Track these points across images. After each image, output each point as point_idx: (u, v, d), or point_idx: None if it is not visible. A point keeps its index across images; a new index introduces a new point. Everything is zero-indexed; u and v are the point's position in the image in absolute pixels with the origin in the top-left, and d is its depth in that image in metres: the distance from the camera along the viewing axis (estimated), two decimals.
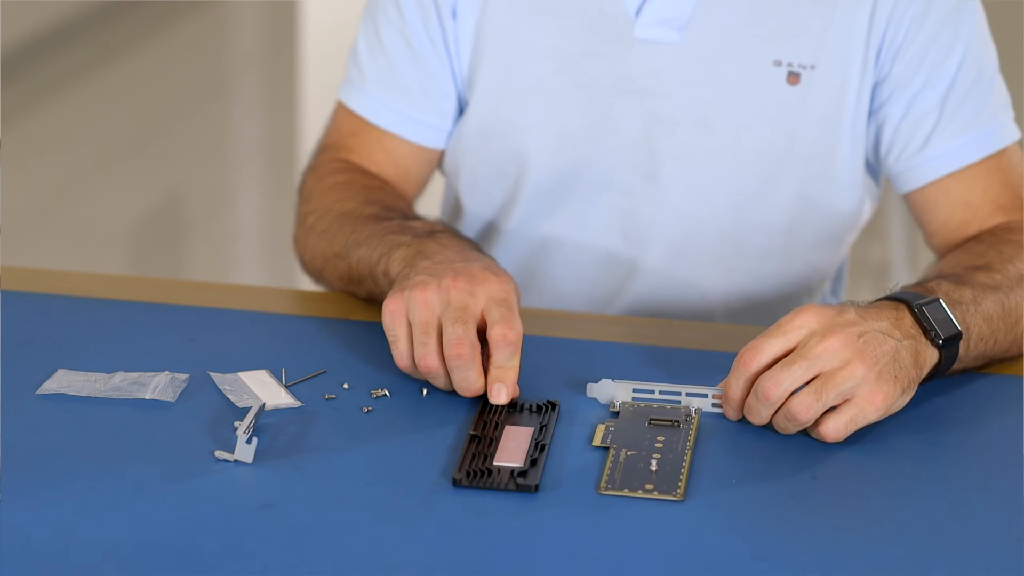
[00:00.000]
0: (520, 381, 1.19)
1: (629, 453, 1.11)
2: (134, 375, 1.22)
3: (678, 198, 1.45)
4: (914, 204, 1.45)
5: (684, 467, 1.09)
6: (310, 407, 1.18)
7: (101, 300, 1.38)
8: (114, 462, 1.10)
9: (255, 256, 3.76)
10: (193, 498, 1.05)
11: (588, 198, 1.47)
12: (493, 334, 1.16)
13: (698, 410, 1.17)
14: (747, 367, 1.13)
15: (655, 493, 1.06)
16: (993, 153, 1.42)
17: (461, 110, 1.50)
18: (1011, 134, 1.43)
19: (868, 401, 1.12)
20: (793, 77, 1.42)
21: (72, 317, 1.34)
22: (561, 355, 1.28)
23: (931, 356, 1.17)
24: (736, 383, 1.14)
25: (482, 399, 1.18)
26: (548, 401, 1.18)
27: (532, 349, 1.28)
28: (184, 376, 1.21)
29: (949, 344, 1.17)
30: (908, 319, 1.17)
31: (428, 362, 1.16)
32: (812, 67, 1.41)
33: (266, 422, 1.15)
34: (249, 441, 1.10)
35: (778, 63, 1.42)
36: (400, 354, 1.18)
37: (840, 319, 1.14)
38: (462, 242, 1.29)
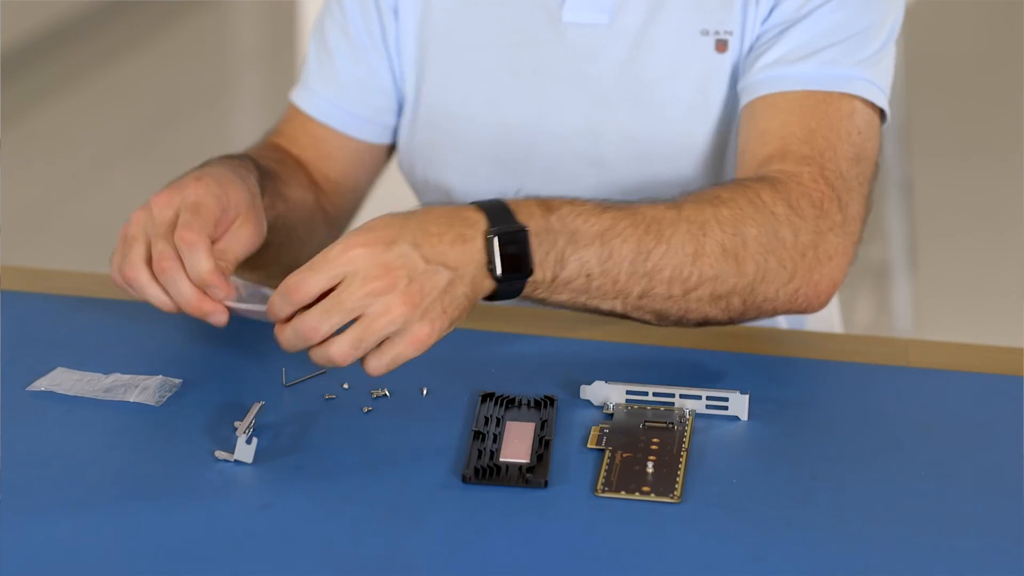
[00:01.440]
0: (514, 382, 1.20)
1: (624, 455, 1.11)
2: (126, 377, 1.22)
3: (623, 179, 1.45)
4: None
5: (680, 469, 1.09)
6: (310, 407, 1.19)
7: (101, 300, 1.38)
8: (114, 462, 1.11)
9: None
10: (193, 498, 1.05)
11: (535, 188, 1.47)
12: (175, 239, 1.18)
13: (692, 411, 1.17)
14: (290, 300, 1.09)
15: (652, 495, 1.06)
16: (813, 91, 1.34)
17: (400, 107, 1.51)
18: (848, 86, 1.35)
19: (410, 342, 1.08)
20: (721, 45, 1.42)
21: (72, 317, 1.35)
22: (554, 355, 1.28)
23: (487, 285, 1.13)
24: (280, 310, 1.10)
25: (480, 397, 1.18)
26: (546, 396, 1.18)
27: (525, 349, 1.28)
28: (177, 381, 1.21)
29: (510, 280, 1.13)
30: (477, 245, 1.12)
31: (126, 272, 1.19)
32: (733, 32, 1.41)
33: (266, 422, 1.15)
34: (249, 441, 1.10)
35: (705, 32, 1.42)
36: (112, 267, 1.21)
37: (389, 256, 1.09)
38: (221, 166, 1.28)
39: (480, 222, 1.13)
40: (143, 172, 3.85)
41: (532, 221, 1.15)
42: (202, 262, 1.17)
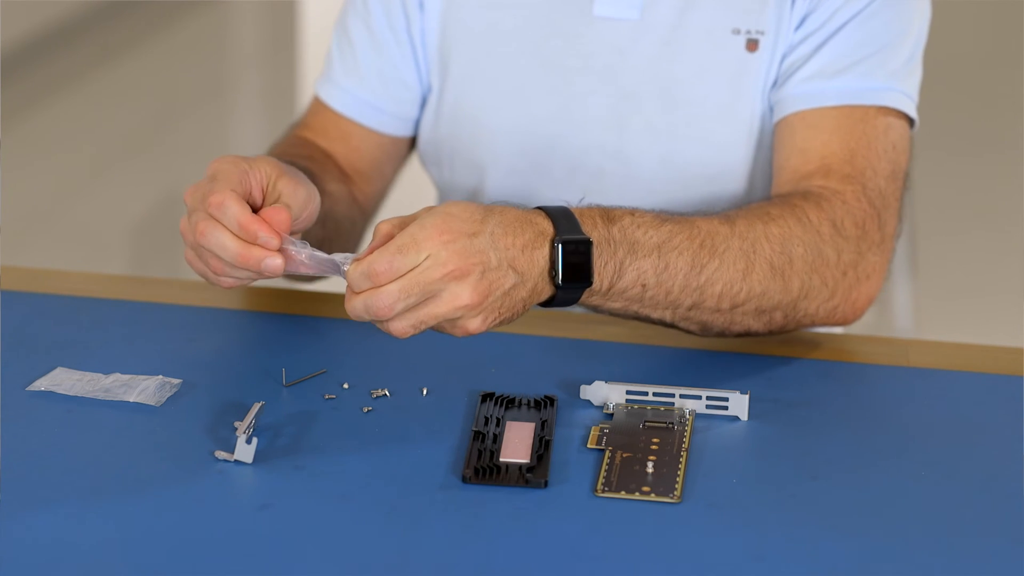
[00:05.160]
0: (514, 382, 1.21)
1: (624, 455, 1.11)
2: (126, 377, 1.22)
3: (647, 174, 1.46)
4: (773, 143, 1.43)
5: (680, 469, 1.09)
6: (310, 407, 1.19)
7: (101, 300, 1.38)
8: (115, 462, 1.11)
9: None
10: (193, 498, 1.06)
11: (559, 180, 1.48)
12: (207, 209, 1.15)
13: (692, 411, 1.17)
14: (374, 280, 1.10)
15: (652, 495, 1.06)
16: (850, 105, 1.37)
17: (424, 100, 1.52)
18: (883, 99, 1.38)
19: (459, 329, 1.12)
20: (752, 44, 1.42)
21: (72, 317, 1.35)
22: (555, 355, 1.28)
23: (547, 291, 1.16)
24: (358, 284, 1.10)
25: (480, 397, 1.18)
26: (546, 396, 1.18)
27: (525, 349, 1.28)
28: (177, 381, 1.21)
29: (569, 288, 1.16)
30: (543, 252, 1.15)
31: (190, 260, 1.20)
32: (765, 32, 1.42)
33: (266, 422, 1.15)
34: (249, 441, 1.10)
35: (736, 31, 1.42)
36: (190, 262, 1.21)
37: (470, 247, 1.11)
38: None
39: (548, 230, 1.15)
40: (143, 172, 3.86)
41: (595, 231, 1.17)
42: (235, 212, 1.14)
